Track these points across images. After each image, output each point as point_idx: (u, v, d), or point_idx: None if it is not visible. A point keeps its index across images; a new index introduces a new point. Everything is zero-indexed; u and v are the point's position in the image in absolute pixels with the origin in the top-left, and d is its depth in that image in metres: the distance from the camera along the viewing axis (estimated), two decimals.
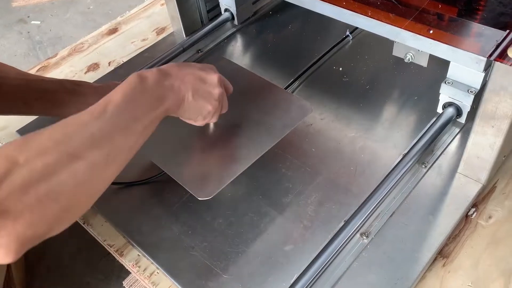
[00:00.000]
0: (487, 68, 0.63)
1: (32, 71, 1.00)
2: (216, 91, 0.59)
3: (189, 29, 0.98)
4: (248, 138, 0.68)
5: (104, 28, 1.10)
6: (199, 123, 0.62)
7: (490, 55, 0.60)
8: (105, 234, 0.69)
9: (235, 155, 0.66)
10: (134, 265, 0.65)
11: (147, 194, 0.72)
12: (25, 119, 0.86)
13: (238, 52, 0.97)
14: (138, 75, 0.52)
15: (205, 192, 0.61)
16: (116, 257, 0.68)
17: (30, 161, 0.41)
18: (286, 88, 0.84)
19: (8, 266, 1.23)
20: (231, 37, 0.99)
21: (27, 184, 0.40)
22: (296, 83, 0.86)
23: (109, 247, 0.68)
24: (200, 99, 0.58)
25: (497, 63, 0.54)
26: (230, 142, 0.68)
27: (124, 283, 0.92)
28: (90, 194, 0.47)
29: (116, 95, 0.50)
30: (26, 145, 0.42)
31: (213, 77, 0.59)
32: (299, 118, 0.70)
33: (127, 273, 0.70)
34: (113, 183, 0.71)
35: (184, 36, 0.98)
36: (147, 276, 0.64)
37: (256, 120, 0.70)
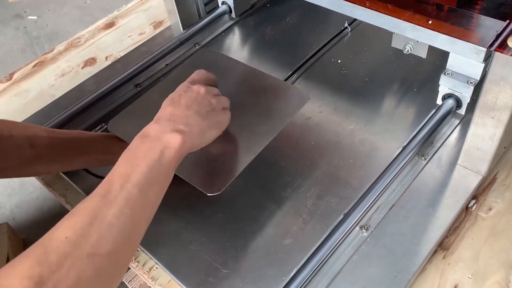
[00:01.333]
0: (487, 58, 0.62)
1: (29, 66, 0.99)
2: (213, 100, 0.58)
3: (187, 22, 0.98)
4: (249, 130, 0.67)
5: (101, 22, 1.09)
6: (221, 131, 0.60)
7: (490, 46, 0.59)
8: None
9: (238, 148, 0.66)
10: (133, 260, 0.65)
11: None
12: (22, 115, 0.86)
13: (236, 45, 0.96)
14: (139, 136, 0.50)
15: (214, 188, 0.60)
16: None
17: (53, 275, 0.38)
18: (285, 81, 0.84)
19: (7, 261, 1.23)
20: (228, 30, 0.98)
21: None
22: (295, 76, 0.86)
23: None
24: (210, 115, 0.56)
25: (497, 53, 0.54)
26: (231, 136, 0.67)
27: (124, 278, 0.92)
28: (118, 277, 0.45)
29: (119, 165, 0.47)
30: (46, 258, 0.39)
31: (200, 90, 0.57)
32: (298, 106, 0.69)
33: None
34: None
35: (182, 29, 0.98)
36: (146, 271, 0.64)
37: (255, 111, 0.69)
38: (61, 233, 0.41)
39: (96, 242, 0.42)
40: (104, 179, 0.46)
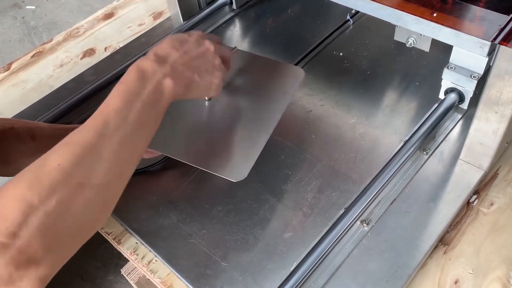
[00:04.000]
0: (491, 52, 0.62)
1: (27, 57, 0.98)
2: (217, 61, 0.57)
3: (187, 13, 0.96)
4: (255, 113, 0.67)
5: (100, 12, 1.08)
6: (210, 95, 0.60)
7: (494, 39, 0.59)
8: None
9: (251, 131, 0.65)
10: (132, 253, 0.65)
11: (144, 182, 0.71)
12: (20, 105, 0.85)
13: (236, 37, 0.95)
14: (136, 70, 0.49)
15: (238, 174, 0.60)
16: (114, 245, 0.67)
17: (44, 201, 0.40)
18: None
19: None
20: (229, 22, 0.97)
21: (46, 227, 0.39)
22: None
23: (106, 235, 0.67)
24: (206, 76, 0.56)
25: (502, 47, 0.53)
26: (238, 122, 0.67)
27: (123, 271, 0.92)
28: (106, 212, 0.46)
29: (115, 100, 0.47)
30: (38, 183, 0.40)
31: (210, 48, 0.57)
32: (295, 83, 0.70)
33: (125, 261, 0.69)
34: None
35: (182, 20, 0.96)
36: (145, 264, 0.63)
37: (256, 94, 0.69)
38: (53, 160, 0.42)
39: (87, 173, 0.42)
40: (100, 110, 0.46)
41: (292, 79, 0.71)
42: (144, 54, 0.55)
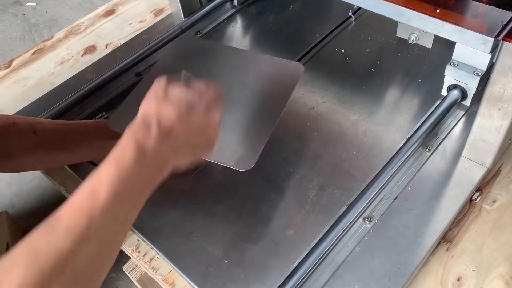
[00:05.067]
0: (494, 49, 0.61)
1: (28, 54, 0.98)
2: (216, 136, 0.51)
3: (188, 10, 0.96)
4: (257, 107, 0.67)
5: (101, 9, 1.07)
6: None
7: (498, 35, 0.58)
8: None
9: (253, 125, 0.65)
10: (134, 250, 0.64)
11: None
12: (21, 103, 0.85)
13: (237, 33, 0.95)
14: (135, 148, 0.42)
15: (246, 163, 0.60)
16: None
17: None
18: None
19: (7, 246, 1.23)
20: (230, 19, 0.97)
21: None
22: None
23: None
24: (205, 147, 0.51)
25: (506, 43, 0.53)
26: (242, 116, 0.66)
27: (124, 268, 0.92)
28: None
29: (104, 191, 0.40)
30: (36, 271, 0.36)
31: (216, 118, 0.50)
32: (296, 79, 0.69)
33: (127, 258, 0.69)
34: None
35: (183, 17, 0.96)
36: (147, 261, 0.63)
37: (257, 90, 0.68)
38: (15, 276, 0.36)
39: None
40: (82, 200, 0.40)
41: (292, 75, 0.70)
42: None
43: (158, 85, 0.48)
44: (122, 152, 0.42)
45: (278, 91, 0.68)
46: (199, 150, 0.50)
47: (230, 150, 0.63)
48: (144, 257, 0.64)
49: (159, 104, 0.46)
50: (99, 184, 0.41)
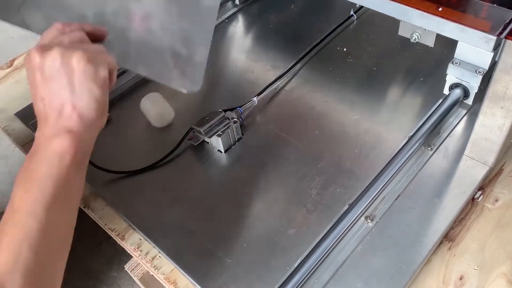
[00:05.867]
0: (497, 47, 0.61)
1: None
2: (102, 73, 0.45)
3: None
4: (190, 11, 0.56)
5: None
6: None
7: (500, 33, 0.58)
8: (106, 218, 0.69)
9: (186, 35, 0.55)
10: (136, 249, 0.65)
11: (148, 178, 0.71)
12: (23, 102, 0.85)
13: (239, 32, 0.95)
14: (28, 155, 0.43)
15: (192, 85, 0.54)
16: (117, 241, 0.67)
17: None
18: (289, 69, 0.83)
19: None
20: (232, 18, 0.97)
21: None
22: (299, 64, 0.84)
23: (110, 231, 0.67)
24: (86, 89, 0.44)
25: (508, 42, 0.52)
26: (171, 27, 0.55)
27: (126, 267, 0.92)
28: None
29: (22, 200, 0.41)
30: None
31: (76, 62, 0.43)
32: None
33: (129, 257, 0.69)
34: (115, 172, 0.71)
35: None
36: (149, 260, 0.63)
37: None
38: None
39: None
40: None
41: None
42: None
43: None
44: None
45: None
46: (84, 83, 0.44)
47: (170, 65, 0.54)
48: (146, 256, 0.64)
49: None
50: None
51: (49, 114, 0.44)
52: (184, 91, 0.54)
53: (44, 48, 0.43)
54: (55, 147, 0.43)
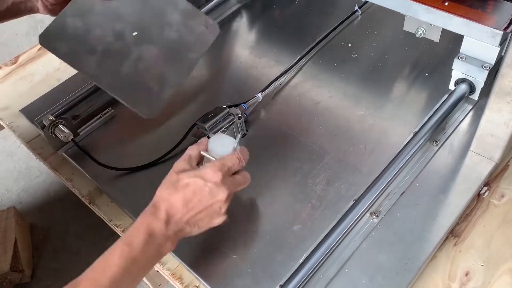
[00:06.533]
0: (503, 42, 0.61)
1: (34, 50, 0.98)
2: (224, 209, 0.55)
3: (193, 5, 0.95)
4: (169, 59, 0.71)
5: None
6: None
7: (506, 28, 0.58)
8: (111, 214, 0.69)
9: (164, 73, 0.70)
10: None
11: (152, 174, 0.71)
12: (28, 98, 0.85)
13: (243, 28, 0.94)
14: (146, 232, 0.50)
15: (149, 110, 0.67)
16: None
17: None
18: (293, 65, 0.82)
19: (15, 245, 1.24)
20: (235, 13, 0.97)
21: None
22: (304, 60, 0.84)
23: (115, 227, 0.68)
24: (206, 224, 0.55)
25: None
26: (157, 63, 0.70)
27: None
28: None
29: (115, 266, 0.48)
30: None
31: (222, 198, 0.54)
32: (212, 37, 0.73)
33: None
34: (119, 169, 0.71)
35: None
36: None
37: (170, 41, 0.72)
38: None
39: None
40: (97, 271, 0.48)
41: (208, 34, 0.73)
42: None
43: (170, 173, 0.56)
44: (134, 235, 0.51)
45: (190, 49, 0.72)
46: (206, 225, 0.55)
47: (138, 93, 0.68)
48: None
49: (169, 191, 0.54)
50: (111, 259, 0.49)
51: (177, 221, 0.53)
52: (143, 116, 0.67)
53: (230, 192, 0.55)
54: (164, 249, 0.52)
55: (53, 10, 0.71)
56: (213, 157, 0.56)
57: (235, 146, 0.58)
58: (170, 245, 0.53)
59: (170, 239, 0.52)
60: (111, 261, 0.48)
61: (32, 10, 0.73)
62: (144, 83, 0.69)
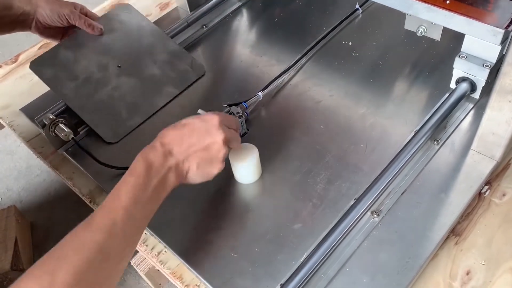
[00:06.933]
0: (504, 40, 0.61)
1: (35, 49, 0.98)
2: (221, 154, 0.57)
3: (194, 3, 0.96)
4: (147, 93, 0.80)
5: (107, 3, 1.07)
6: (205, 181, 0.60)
7: (508, 26, 0.58)
8: None
9: (138, 104, 0.78)
10: (142, 244, 0.65)
11: None
12: (28, 97, 0.85)
13: (244, 27, 0.94)
14: (144, 162, 0.53)
15: (111, 136, 0.75)
16: None
17: None
18: (294, 64, 0.82)
19: (16, 244, 1.24)
20: (236, 12, 0.96)
21: None
22: (304, 58, 0.84)
23: None
24: (205, 167, 0.57)
25: None
26: (133, 95, 0.79)
27: (132, 262, 0.92)
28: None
29: (124, 196, 0.50)
30: (53, 283, 0.43)
31: (218, 140, 0.57)
32: (193, 77, 0.82)
33: (135, 252, 0.69)
34: (119, 168, 0.71)
35: (189, 11, 0.96)
36: (155, 255, 0.63)
37: (154, 76, 0.81)
38: (66, 269, 0.44)
39: (97, 273, 0.46)
40: (109, 206, 0.50)
41: (192, 73, 0.82)
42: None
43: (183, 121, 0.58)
44: (135, 166, 0.53)
45: (170, 85, 0.81)
46: (206, 168, 0.57)
47: (105, 117, 0.76)
48: (152, 251, 0.64)
49: (168, 129, 0.57)
50: (120, 190, 0.51)
51: (175, 153, 0.55)
52: (105, 139, 0.74)
53: (226, 136, 0.57)
54: (168, 182, 0.54)
55: (43, 32, 0.80)
56: None
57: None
58: (173, 178, 0.54)
59: (171, 171, 0.54)
60: (119, 190, 0.51)
61: (24, 26, 0.78)
62: (114, 109, 0.76)
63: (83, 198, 0.72)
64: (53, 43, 0.97)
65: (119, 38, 0.83)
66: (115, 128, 0.75)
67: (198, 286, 0.60)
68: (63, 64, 0.79)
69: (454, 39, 0.77)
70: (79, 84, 0.78)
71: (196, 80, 0.83)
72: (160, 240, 0.64)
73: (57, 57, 0.79)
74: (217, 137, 0.56)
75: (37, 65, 0.78)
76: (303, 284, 0.56)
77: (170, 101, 0.80)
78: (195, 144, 0.56)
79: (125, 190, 0.50)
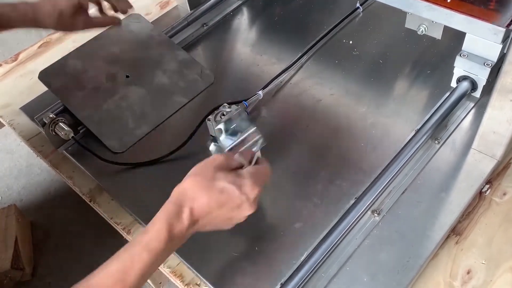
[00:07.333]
0: (505, 39, 0.60)
1: (35, 47, 0.98)
2: (246, 212, 0.51)
3: (194, 2, 0.95)
4: (154, 103, 0.79)
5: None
6: None
7: (509, 25, 0.58)
8: (111, 212, 0.69)
9: (145, 114, 0.77)
10: None
11: (154, 173, 0.71)
12: (28, 96, 0.85)
13: (244, 25, 0.94)
14: (167, 231, 0.47)
15: (117, 147, 0.74)
16: (123, 235, 0.67)
17: None
18: (294, 63, 0.82)
19: (16, 243, 1.24)
20: (237, 10, 0.96)
21: None
22: (305, 57, 0.84)
23: (116, 225, 0.67)
24: (221, 226, 0.53)
25: None
26: (140, 105, 0.78)
27: None
28: None
29: (139, 263, 0.46)
30: None
31: (246, 214, 0.51)
32: (202, 87, 0.81)
33: None
34: (121, 164, 0.71)
35: (189, 9, 0.95)
36: None
37: (163, 85, 0.80)
38: None
39: None
40: (120, 269, 0.46)
41: (201, 82, 0.81)
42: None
43: (208, 164, 0.51)
44: (156, 239, 0.47)
45: (178, 94, 0.80)
46: (214, 226, 0.52)
47: (112, 128, 0.75)
48: None
49: (198, 189, 0.49)
50: (131, 267, 0.46)
51: (199, 226, 0.50)
52: (112, 150, 0.73)
53: (254, 198, 0.51)
54: (176, 247, 0.50)
55: (67, 25, 0.76)
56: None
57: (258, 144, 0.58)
58: (182, 242, 0.51)
59: (185, 238, 0.50)
60: (130, 269, 0.46)
61: (36, 23, 0.74)
62: (121, 119, 0.76)
63: (83, 197, 0.72)
64: (53, 43, 0.97)
65: (128, 48, 0.83)
66: (122, 137, 0.74)
67: (198, 285, 0.60)
68: (71, 75, 0.78)
69: (455, 38, 0.77)
70: (87, 94, 0.77)
71: (205, 89, 0.81)
72: None
73: (66, 67, 0.79)
74: (247, 213, 0.51)
75: (46, 75, 0.78)
76: (304, 283, 0.56)
77: (177, 110, 0.78)
78: (222, 215, 0.50)
79: (137, 268, 0.46)
